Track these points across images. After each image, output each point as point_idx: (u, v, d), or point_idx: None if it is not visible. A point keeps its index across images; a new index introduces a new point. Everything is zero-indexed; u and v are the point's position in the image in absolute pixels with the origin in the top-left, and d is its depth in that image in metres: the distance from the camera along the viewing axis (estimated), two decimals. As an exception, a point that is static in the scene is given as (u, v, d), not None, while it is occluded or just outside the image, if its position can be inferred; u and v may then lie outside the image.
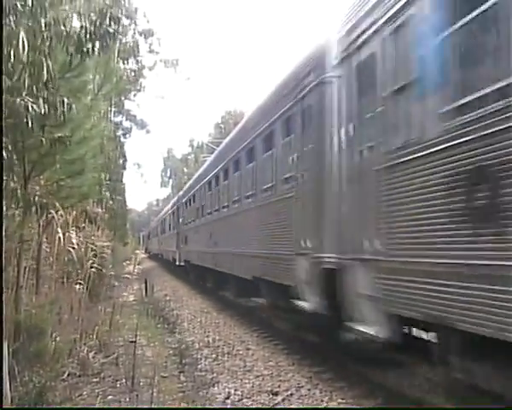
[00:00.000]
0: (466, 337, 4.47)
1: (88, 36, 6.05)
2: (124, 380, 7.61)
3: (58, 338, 7.88)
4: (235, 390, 7.53)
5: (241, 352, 10.05)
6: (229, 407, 7.02)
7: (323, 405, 6.89)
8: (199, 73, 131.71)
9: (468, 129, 4.42)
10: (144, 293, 19.45)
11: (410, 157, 5.36)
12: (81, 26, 6.12)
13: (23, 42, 5.38)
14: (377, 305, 6.03)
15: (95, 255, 11.91)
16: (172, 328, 12.90)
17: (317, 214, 7.85)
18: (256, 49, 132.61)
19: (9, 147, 6.49)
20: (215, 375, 8.36)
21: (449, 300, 4.58)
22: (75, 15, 7.49)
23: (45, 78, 5.86)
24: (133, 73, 31.75)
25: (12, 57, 5.40)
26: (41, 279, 8.69)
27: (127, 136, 34.39)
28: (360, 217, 6.55)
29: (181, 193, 28.06)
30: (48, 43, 6.00)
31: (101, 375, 7.92)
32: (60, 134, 7.46)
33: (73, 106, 6.62)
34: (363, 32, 6.49)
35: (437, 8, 4.97)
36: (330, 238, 7.45)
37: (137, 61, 32.08)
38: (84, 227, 12.70)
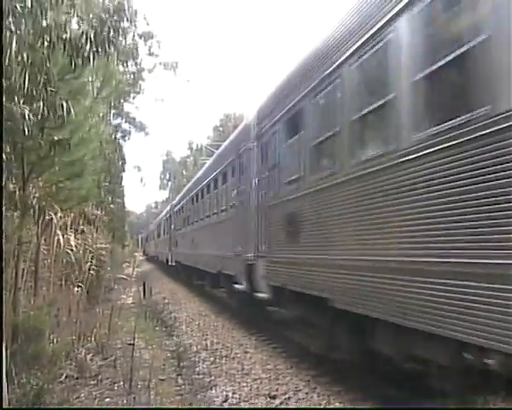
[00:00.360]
0: (292, 292, 8.79)
1: (88, 42, 6.05)
2: (121, 383, 7.60)
3: (56, 340, 7.89)
4: (233, 393, 7.53)
5: (239, 355, 10.05)
6: (229, 407, 7.06)
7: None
8: (198, 76, 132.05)
9: (292, 188, 8.93)
10: (142, 295, 19.45)
11: (276, 202, 9.72)
12: (82, 32, 6.13)
13: (21, 44, 5.39)
14: (266, 280, 10.30)
15: (93, 258, 11.93)
16: (170, 331, 12.90)
17: (244, 230, 11.96)
18: (255, 52, 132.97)
19: (8, 149, 6.50)
20: (213, 378, 8.36)
21: (289, 275, 8.79)
22: (75, 18, 7.52)
23: (44, 80, 5.87)
24: (132, 76, 31.79)
25: (9, 59, 5.40)
26: (39, 281, 8.69)
27: (126, 138, 34.37)
28: (259, 232, 10.79)
29: (173, 202, 32.19)
30: (48, 45, 6.01)
31: (99, 377, 7.91)
32: (59, 136, 7.48)
33: (72, 108, 6.63)
34: (261, 129, 11.03)
35: (279, 136, 9.73)
36: (250, 245, 11.41)
37: (137, 64, 32.12)
38: (82, 229, 12.70)
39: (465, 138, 4.54)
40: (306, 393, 7.48)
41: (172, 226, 29.69)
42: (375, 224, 5.95)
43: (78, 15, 7.72)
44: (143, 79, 33.32)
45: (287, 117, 9.27)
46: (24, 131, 5.74)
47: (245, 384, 7.99)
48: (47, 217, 8.35)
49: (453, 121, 4.71)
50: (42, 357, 7.19)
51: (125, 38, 27.73)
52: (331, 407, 6.96)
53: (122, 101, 29.84)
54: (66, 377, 7.61)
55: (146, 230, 75.30)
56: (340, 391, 7.44)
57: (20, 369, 6.65)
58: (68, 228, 10.08)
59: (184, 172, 75.57)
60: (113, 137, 24.20)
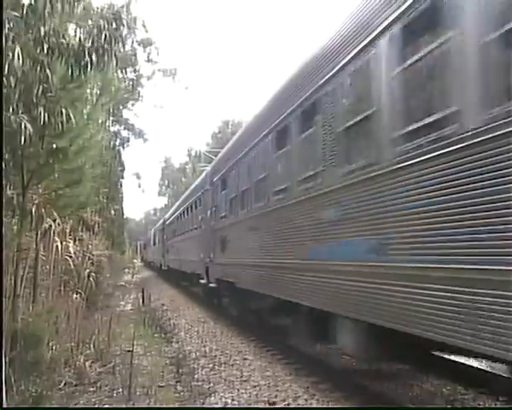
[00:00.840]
0: (223, 281, 13.72)
1: (86, 51, 6.08)
2: (120, 389, 7.60)
3: (55, 347, 7.89)
4: (232, 400, 7.53)
5: (238, 362, 10.05)
6: (228, 406, 7.10)
7: (320, 415, 6.91)
8: (197, 83, 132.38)
9: (222, 221, 14.45)
10: (141, 302, 19.42)
11: (216, 228, 14.82)
12: (79, 39, 6.15)
13: (19, 52, 5.41)
14: (214, 275, 15.16)
15: (92, 264, 11.94)
16: (169, 337, 12.88)
17: (204, 244, 16.98)
18: (253, 59, 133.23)
19: (7, 156, 6.52)
20: (212, 385, 8.36)
21: (222, 271, 14.01)
22: (73, 26, 7.55)
23: (44, 89, 5.90)
24: (131, 83, 31.85)
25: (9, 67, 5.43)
26: (38, 288, 8.69)
27: (125, 145, 34.41)
28: (211, 246, 15.49)
29: (166, 216, 37.57)
30: (47, 53, 6.04)
31: (98, 384, 7.91)
32: (59, 144, 7.51)
33: (72, 116, 6.66)
34: (212, 179, 15.93)
35: (218, 188, 15.07)
36: (207, 253, 16.13)
37: (135, 71, 32.19)
38: (81, 236, 12.71)
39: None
40: (305, 399, 7.48)
41: (165, 237, 34.84)
42: (256, 245, 10.40)
43: (76, 23, 7.74)
44: (142, 86, 33.45)
45: (221, 177, 14.65)
46: (20, 141, 5.74)
47: (244, 391, 7.99)
48: (46, 224, 8.36)
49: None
50: (41, 364, 7.19)
51: (124, 45, 27.81)
52: (331, 406, 6.99)
53: (121, 108, 29.92)
54: (64, 384, 7.61)
55: (144, 237, 75.83)
56: (340, 398, 7.44)
57: (19, 376, 6.65)
58: (67, 235, 10.08)
59: (183, 178, 75.56)
60: (111, 144, 24.25)
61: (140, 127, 36.62)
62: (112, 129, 28.04)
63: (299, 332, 8.88)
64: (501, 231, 3.91)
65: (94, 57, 6.15)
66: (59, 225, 9.36)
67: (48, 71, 6.06)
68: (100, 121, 12.24)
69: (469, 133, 4.25)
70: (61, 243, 9.54)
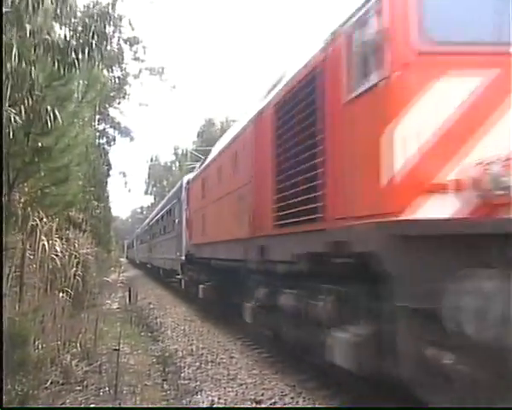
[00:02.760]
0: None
1: (72, 49, 6.07)
2: (107, 388, 7.60)
3: (41, 346, 7.86)
4: (219, 399, 7.54)
5: (224, 360, 10.07)
6: (228, 406, 7.10)
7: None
8: (183, 81, 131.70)
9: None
10: (128, 301, 19.40)
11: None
12: (65, 37, 6.14)
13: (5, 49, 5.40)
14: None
15: (78, 263, 11.88)
16: (156, 336, 12.89)
17: (176, 243, 20.63)
18: (239, 57, 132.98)
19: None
20: (198, 383, 8.37)
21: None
22: (58, 24, 7.52)
23: (30, 86, 5.88)
24: (118, 81, 31.71)
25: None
26: (24, 287, 8.66)
27: (111, 144, 34.23)
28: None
29: (152, 215, 40.77)
30: (33, 51, 6.02)
31: (85, 383, 7.89)
32: (44, 142, 7.48)
33: (58, 114, 6.64)
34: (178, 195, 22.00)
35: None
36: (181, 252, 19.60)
37: (122, 69, 32.05)
38: (68, 234, 12.67)
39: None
40: (292, 398, 7.51)
41: (148, 237, 38.13)
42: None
43: (61, 21, 7.71)
44: (129, 84, 33.27)
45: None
46: (9, 134, 5.72)
47: (230, 389, 8.01)
48: (32, 222, 8.32)
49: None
50: (27, 363, 7.16)
51: (110, 43, 27.66)
52: (331, 406, 6.99)
53: (107, 106, 29.79)
54: (51, 383, 7.58)
55: (131, 236, 76.25)
56: (326, 396, 7.47)
57: (5, 375, 6.62)
58: (54, 233, 10.02)
59: (170, 177, 75.31)
60: (98, 142, 24.15)
61: (126, 126, 36.41)
62: (98, 127, 27.92)
63: None
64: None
65: (80, 55, 6.14)
66: (45, 223, 9.32)
67: (33, 68, 6.04)
68: (86, 118, 12.19)
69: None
70: (48, 241, 9.49)
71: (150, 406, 6.96)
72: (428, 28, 5.15)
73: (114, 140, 34.45)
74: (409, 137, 4.97)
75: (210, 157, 14.81)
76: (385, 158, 5.09)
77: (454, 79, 5.02)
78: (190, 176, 19.33)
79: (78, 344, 9.48)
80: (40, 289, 9.40)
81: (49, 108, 6.22)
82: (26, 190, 8.37)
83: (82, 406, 6.93)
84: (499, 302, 4.25)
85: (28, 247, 8.88)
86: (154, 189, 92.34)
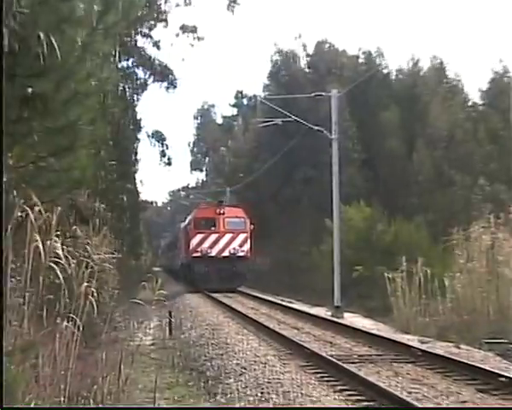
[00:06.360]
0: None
1: None
2: None
3: (34, 404, 7.87)
4: None
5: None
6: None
7: None
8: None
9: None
10: (168, 332, 19.52)
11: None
12: None
13: None
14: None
15: (92, 275, 11.90)
16: (212, 387, 12.95)
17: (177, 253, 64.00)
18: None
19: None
20: None
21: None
22: None
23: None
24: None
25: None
26: (8, 312, 8.66)
27: (141, 92, 34.54)
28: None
29: (176, 231, 69.50)
30: None
31: None
32: (38, 88, 7.43)
33: (58, 45, 6.54)
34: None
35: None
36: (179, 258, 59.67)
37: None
38: (75, 231, 12.76)
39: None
40: None
41: (178, 245, 61.24)
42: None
43: None
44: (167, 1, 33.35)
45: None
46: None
47: None
48: (19, 213, 8.30)
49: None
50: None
51: None
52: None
53: (134, 33, 29.82)
54: None
55: (171, 233, 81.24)
56: None
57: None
58: (53, 229, 10.04)
59: (230, 141, 75.61)
60: (121, 89, 24.24)
61: (163, 62, 36.54)
62: (121, 65, 28.07)
63: None
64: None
65: None
66: (40, 214, 9.31)
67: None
68: (102, 54, 12.16)
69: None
70: (44, 241, 9.50)
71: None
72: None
73: (146, 85, 34.68)
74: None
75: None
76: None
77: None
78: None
79: (91, 400, 9.49)
80: (33, 315, 9.42)
81: (41, 34, 6.11)
82: (11, 163, 8.34)
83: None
84: None
85: (12, 250, 8.87)
86: (206, 159, 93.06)
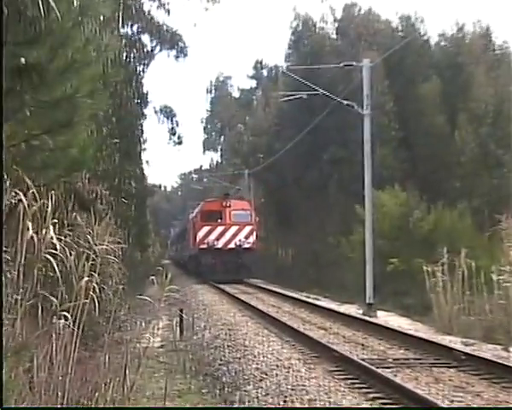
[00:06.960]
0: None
1: None
2: None
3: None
4: None
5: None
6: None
7: None
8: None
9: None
10: (179, 332, 19.54)
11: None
12: None
13: None
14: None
15: (93, 268, 11.90)
16: (229, 395, 12.97)
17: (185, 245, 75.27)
18: None
19: None
20: None
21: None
22: None
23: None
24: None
25: None
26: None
27: (148, 61, 34.53)
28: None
29: (185, 222, 76.17)
30: None
31: None
32: (30, 56, 7.41)
33: (55, 5, 6.52)
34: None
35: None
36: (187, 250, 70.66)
37: None
38: (74, 219, 12.76)
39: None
40: None
41: (186, 237, 66.32)
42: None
43: None
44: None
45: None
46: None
47: None
48: (10, 198, 8.31)
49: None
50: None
51: None
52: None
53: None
54: None
55: (181, 221, 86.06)
56: None
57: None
58: (49, 217, 10.05)
59: (247, 117, 75.70)
60: (124, 58, 24.16)
61: (173, 28, 36.50)
62: (124, 31, 28.01)
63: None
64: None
65: None
66: (34, 199, 9.32)
67: None
68: (104, 17, 12.13)
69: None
70: (39, 230, 9.51)
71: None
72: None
73: (153, 55, 34.64)
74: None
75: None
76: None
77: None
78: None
79: (92, 409, 9.50)
80: (26, 313, 9.44)
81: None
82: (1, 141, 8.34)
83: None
84: None
85: (3, 240, 8.88)
86: (221, 138, 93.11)
